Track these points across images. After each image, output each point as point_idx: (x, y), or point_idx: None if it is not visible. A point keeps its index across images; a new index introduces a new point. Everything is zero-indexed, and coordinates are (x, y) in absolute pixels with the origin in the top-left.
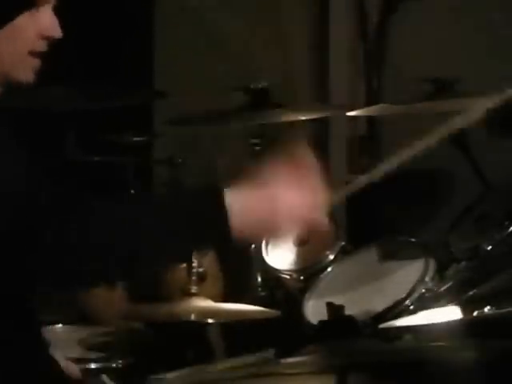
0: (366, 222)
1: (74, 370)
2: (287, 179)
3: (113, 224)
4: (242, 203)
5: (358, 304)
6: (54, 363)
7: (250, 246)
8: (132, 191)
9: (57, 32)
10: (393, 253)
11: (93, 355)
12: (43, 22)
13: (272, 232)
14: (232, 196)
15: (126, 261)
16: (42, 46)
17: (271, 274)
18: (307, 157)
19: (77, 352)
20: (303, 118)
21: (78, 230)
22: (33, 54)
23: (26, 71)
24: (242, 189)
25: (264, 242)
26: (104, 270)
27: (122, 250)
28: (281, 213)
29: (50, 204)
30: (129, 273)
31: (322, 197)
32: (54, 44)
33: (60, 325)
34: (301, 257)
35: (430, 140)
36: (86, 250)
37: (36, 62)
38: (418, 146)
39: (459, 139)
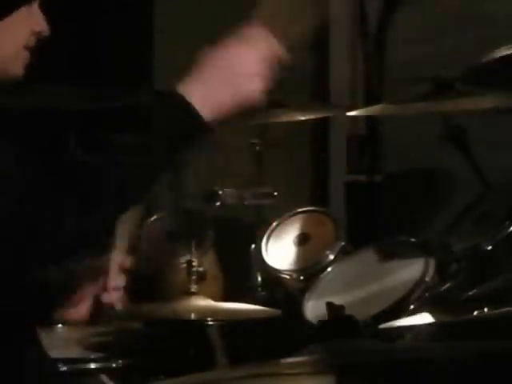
0: (365, 222)
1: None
2: (238, 51)
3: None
4: (200, 90)
5: (358, 304)
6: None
7: (250, 245)
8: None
9: (45, 29)
10: (393, 253)
11: (93, 355)
12: (34, 19)
13: (240, 98)
14: (188, 88)
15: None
16: (33, 42)
17: (271, 273)
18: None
19: (77, 352)
20: (303, 118)
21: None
22: (26, 48)
23: (19, 65)
24: (194, 76)
25: (264, 241)
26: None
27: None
28: (239, 74)
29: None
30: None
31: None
32: (43, 41)
33: (60, 325)
34: (301, 257)
35: None
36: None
37: (27, 57)
38: None
39: (460, 139)
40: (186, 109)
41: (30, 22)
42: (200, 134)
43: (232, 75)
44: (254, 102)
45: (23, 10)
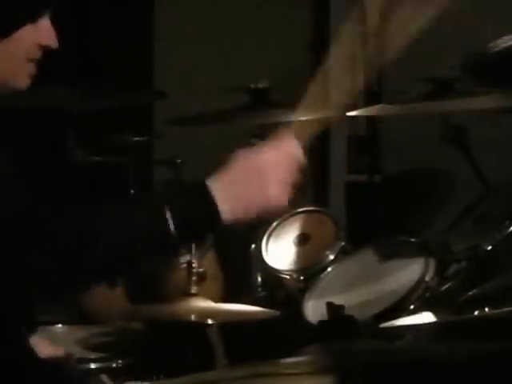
0: (365, 222)
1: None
2: (271, 160)
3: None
4: (228, 189)
5: (358, 304)
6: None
7: (250, 245)
8: (132, 191)
9: (54, 43)
10: (393, 253)
11: (93, 355)
12: (42, 33)
13: (265, 205)
14: (216, 184)
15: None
16: (38, 54)
17: (271, 274)
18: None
19: (77, 352)
20: (303, 118)
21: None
22: (31, 60)
23: (23, 77)
24: (224, 175)
25: (264, 241)
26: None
27: (116, 250)
28: (268, 181)
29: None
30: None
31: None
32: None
33: (60, 325)
34: (301, 257)
35: None
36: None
37: (32, 68)
38: None
39: (460, 139)
40: (209, 204)
41: (37, 36)
42: (212, 230)
43: (260, 180)
44: (277, 208)
45: (28, 27)
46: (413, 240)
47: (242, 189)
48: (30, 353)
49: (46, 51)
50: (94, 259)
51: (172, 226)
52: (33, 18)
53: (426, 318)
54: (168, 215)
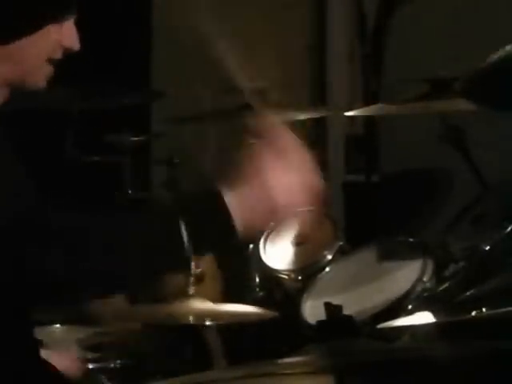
0: (364, 222)
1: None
2: (277, 167)
3: (109, 236)
4: (240, 201)
5: (356, 304)
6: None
7: (248, 245)
8: (130, 191)
9: (76, 45)
10: (391, 253)
11: (92, 355)
12: (66, 34)
13: (274, 220)
14: (231, 196)
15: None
16: (59, 55)
17: (269, 274)
18: (290, 140)
19: (76, 352)
20: (302, 118)
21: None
22: (50, 61)
23: (41, 77)
24: (237, 187)
25: (262, 241)
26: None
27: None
28: (280, 199)
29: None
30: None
31: (313, 174)
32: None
33: (60, 325)
34: (299, 257)
35: None
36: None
37: (50, 70)
38: None
39: (458, 139)
40: (225, 216)
41: (60, 37)
42: (225, 240)
43: (270, 191)
44: (286, 216)
45: (55, 25)
46: (411, 240)
47: (253, 202)
48: (31, 354)
49: (66, 53)
50: (106, 267)
51: (186, 238)
52: (58, 18)
53: (425, 318)
54: (182, 227)
